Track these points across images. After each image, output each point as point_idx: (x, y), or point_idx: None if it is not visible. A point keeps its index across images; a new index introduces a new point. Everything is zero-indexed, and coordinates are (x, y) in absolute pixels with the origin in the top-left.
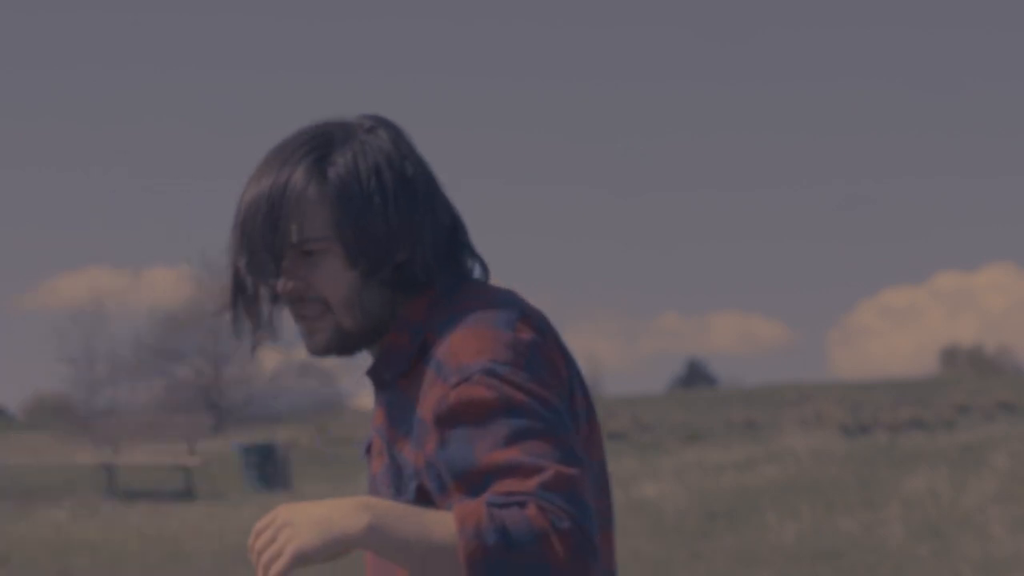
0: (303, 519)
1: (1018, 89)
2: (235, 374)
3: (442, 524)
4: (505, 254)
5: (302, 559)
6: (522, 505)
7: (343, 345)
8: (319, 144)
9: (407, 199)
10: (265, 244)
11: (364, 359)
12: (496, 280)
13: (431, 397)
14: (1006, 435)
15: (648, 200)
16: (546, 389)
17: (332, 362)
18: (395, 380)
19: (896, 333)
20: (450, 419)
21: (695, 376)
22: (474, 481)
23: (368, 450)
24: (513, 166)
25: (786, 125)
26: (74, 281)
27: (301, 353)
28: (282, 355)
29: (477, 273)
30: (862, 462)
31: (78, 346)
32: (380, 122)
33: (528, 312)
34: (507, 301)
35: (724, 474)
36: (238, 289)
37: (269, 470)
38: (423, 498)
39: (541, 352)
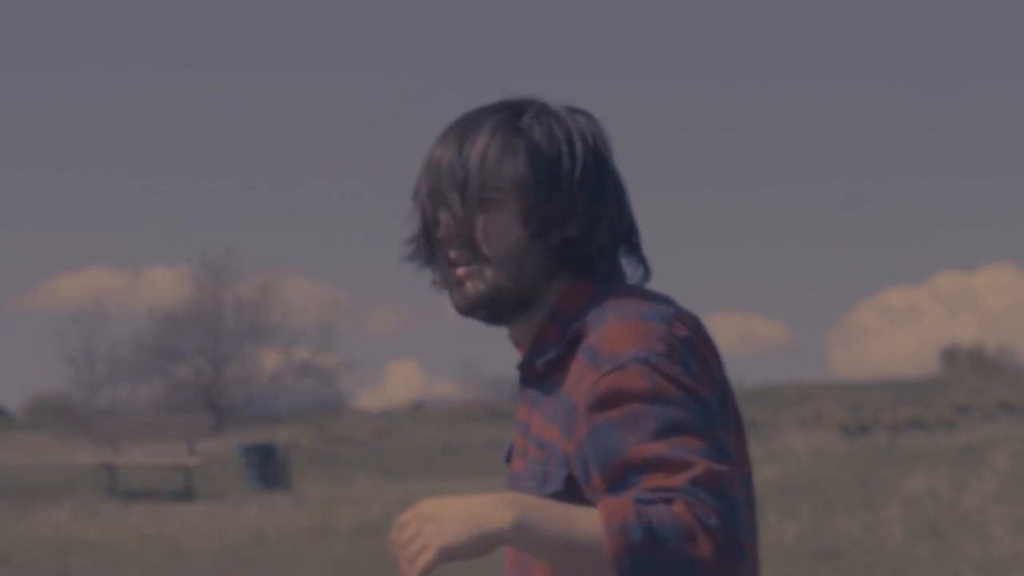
0: (448, 514)
1: (1018, 89)
2: (235, 374)
3: (588, 520)
4: None
5: (448, 554)
6: (669, 501)
7: (492, 304)
8: (517, 105)
9: (595, 176)
10: (450, 179)
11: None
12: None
13: (583, 384)
14: (1006, 435)
15: (648, 200)
16: (699, 384)
17: (332, 362)
18: (547, 369)
19: (896, 333)
20: (600, 407)
21: None
22: (618, 473)
23: (509, 456)
24: None
25: (786, 125)
26: (74, 281)
27: (302, 353)
28: (282, 355)
29: (637, 278)
30: (862, 462)
31: (78, 346)
32: (581, 111)
33: (684, 312)
34: (663, 300)
35: None
36: (426, 230)
37: (269, 470)
38: (571, 487)
39: (695, 349)
